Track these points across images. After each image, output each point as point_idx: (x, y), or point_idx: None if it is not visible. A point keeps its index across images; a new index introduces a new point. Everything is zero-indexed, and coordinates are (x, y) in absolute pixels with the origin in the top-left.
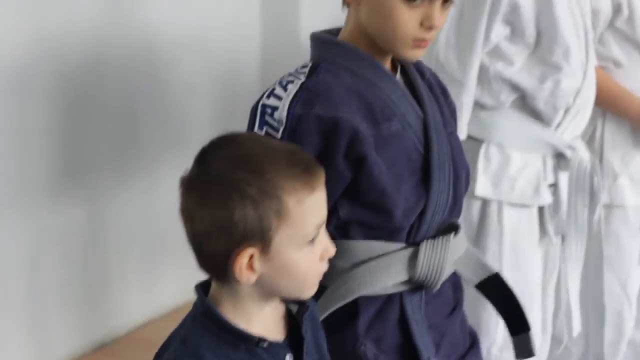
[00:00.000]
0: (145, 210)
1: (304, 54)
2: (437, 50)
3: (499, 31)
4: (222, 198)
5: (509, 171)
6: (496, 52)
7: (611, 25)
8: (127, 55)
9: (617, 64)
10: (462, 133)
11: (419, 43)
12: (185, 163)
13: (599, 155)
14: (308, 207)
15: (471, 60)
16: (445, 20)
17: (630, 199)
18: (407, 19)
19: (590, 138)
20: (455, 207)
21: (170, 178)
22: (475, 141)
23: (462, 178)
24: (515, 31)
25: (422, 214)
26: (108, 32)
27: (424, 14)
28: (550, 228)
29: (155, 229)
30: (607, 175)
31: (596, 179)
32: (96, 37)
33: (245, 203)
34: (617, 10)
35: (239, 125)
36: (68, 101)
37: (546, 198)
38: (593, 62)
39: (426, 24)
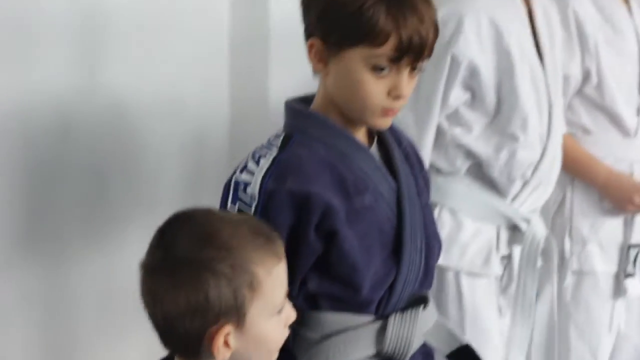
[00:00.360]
0: (112, 272)
1: (272, 119)
2: None
3: (458, 95)
4: (195, 279)
5: (461, 238)
6: (456, 117)
7: (580, 92)
8: (97, 119)
9: (586, 131)
10: None
11: (387, 112)
12: (153, 225)
13: (568, 221)
14: (276, 277)
15: (428, 122)
16: (413, 88)
17: (599, 265)
18: (375, 89)
19: (559, 204)
20: (427, 279)
21: (138, 241)
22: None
23: (434, 250)
24: (476, 97)
25: (392, 286)
26: (78, 96)
27: (392, 83)
28: (502, 301)
29: (122, 292)
30: (576, 241)
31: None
32: (66, 102)
33: (219, 281)
34: (586, 77)
35: (208, 188)
36: (35, 162)
37: (496, 269)
38: (557, 135)
39: (394, 94)
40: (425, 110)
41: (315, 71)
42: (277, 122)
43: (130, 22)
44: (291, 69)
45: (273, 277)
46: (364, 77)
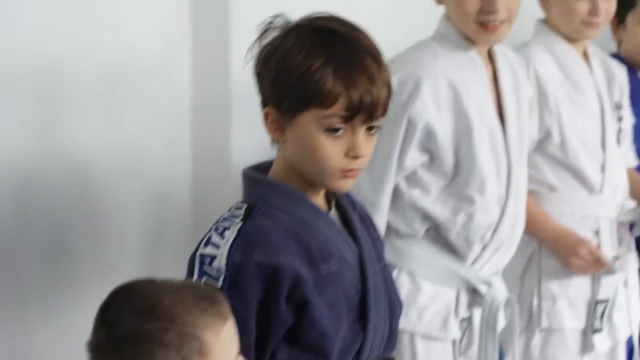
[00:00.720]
0: (73, 333)
1: (234, 178)
2: None
3: (415, 157)
4: (143, 354)
5: (419, 300)
6: (414, 179)
7: (543, 150)
8: (61, 178)
9: (552, 189)
10: None
11: (346, 173)
12: (115, 284)
13: (537, 279)
14: (225, 337)
15: (384, 184)
16: (372, 148)
17: (568, 322)
18: (332, 151)
19: (528, 261)
20: (390, 342)
21: (99, 299)
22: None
23: (396, 312)
24: (434, 159)
25: (359, 351)
26: (42, 155)
27: (348, 144)
28: None
29: (83, 353)
30: (546, 299)
31: (511, 314)
32: (29, 160)
33: (168, 352)
34: (547, 135)
35: (170, 247)
36: None
37: (454, 332)
38: (518, 196)
39: (351, 154)
40: (382, 172)
41: (273, 140)
42: (239, 181)
43: (93, 82)
44: (253, 128)
45: (222, 338)
46: (319, 139)
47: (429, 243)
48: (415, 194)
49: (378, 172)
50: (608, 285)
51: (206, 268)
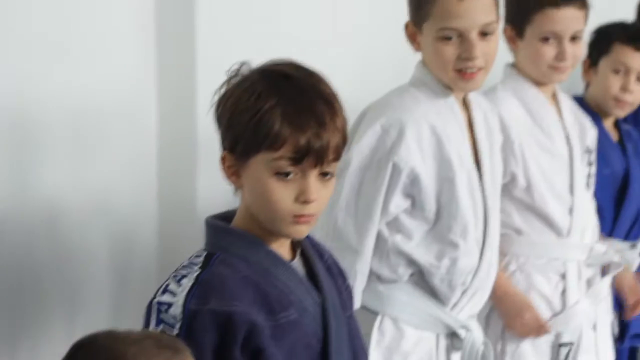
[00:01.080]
0: None
1: (200, 223)
2: (335, 215)
3: (399, 203)
4: None
5: (402, 346)
6: (396, 225)
7: (510, 194)
8: (27, 222)
9: (519, 232)
10: (355, 303)
11: (298, 219)
12: (80, 327)
13: (501, 321)
14: None
15: (368, 230)
16: (328, 194)
17: None
18: (282, 195)
19: (493, 305)
20: None
21: (63, 344)
22: (371, 313)
23: None
24: (416, 205)
25: None
26: (8, 199)
27: (299, 188)
28: None
29: None
30: (511, 341)
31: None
32: None
33: None
34: (512, 180)
35: (136, 291)
36: None
37: None
38: (493, 240)
39: (301, 199)
40: (366, 219)
41: (231, 184)
42: (205, 222)
43: (60, 125)
44: (219, 172)
45: None
46: (269, 183)
47: (411, 288)
48: (398, 239)
49: (362, 218)
50: (572, 329)
51: (163, 315)
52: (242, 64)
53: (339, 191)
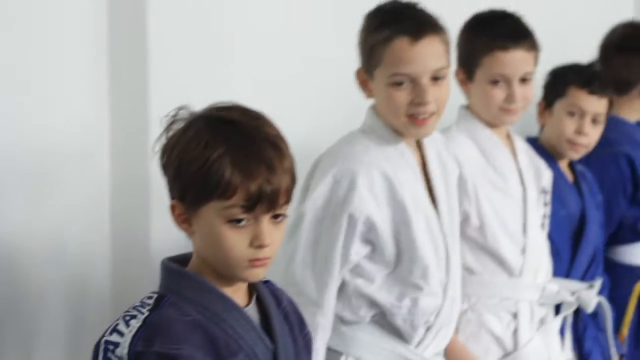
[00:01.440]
0: None
1: (154, 265)
2: (293, 270)
3: (359, 250)
4: None
5: None
6: (357, 269)
7: (463, 234)
8: None
9: (471, 272)
10: (318, 356)
11: (253, 263)
12: None
13: None
14: None
15: (328, 282)
16: (281, 235)
17: None
18: (236, 241)
19: None
20: None
21: None
22: (335, 353)
23: None
24: (376, 250)
25: None
26: None
27: (252, 233)
28: None
29: None
30: None
31: None
32: None
33: None
34: (465, 219)
35: (90, 334)
36: None
37: None
38: (456, 278)
39: (255, 244)
40: (325, 271)
41: (183, 231)
42: (158, 268)
43: (13, 167)
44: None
45: None
46: (223, 231)
47: (374, 328)
48: (360, 283)
49: (321, 272)
50: None
51: (110, 355)
52: (180, 108)
53: (295, 246)
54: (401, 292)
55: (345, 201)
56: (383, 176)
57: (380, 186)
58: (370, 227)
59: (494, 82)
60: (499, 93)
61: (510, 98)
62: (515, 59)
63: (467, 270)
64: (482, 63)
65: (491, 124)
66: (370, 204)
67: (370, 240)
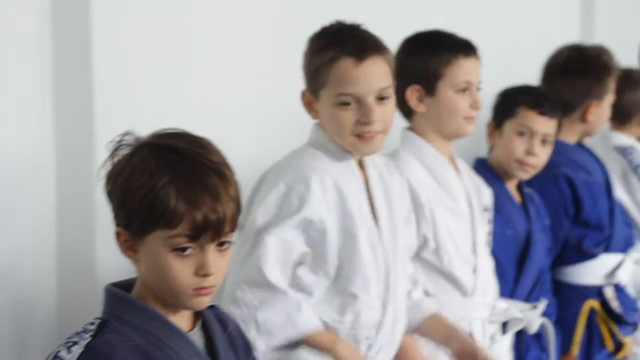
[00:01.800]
0: None
1: (99, 289)
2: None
3: (298, 245)
4: None
5: None
6: (297, 283)
7: (419, 257)
8: None
9: (426, 293)
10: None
11: (199, 291)
12: None
13: None
14: None
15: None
16: (227, 262)
17: None
18: (181, 270)
19: None
20: None
21: None
22: None
23: None
24: (318, 258)
25: None
26: None
27: (198, 262)
28: None
29: None
30: None
31: None
32: None
33: None
34: (424, 242)
35: (35, 358)
36: None
37: None
38: (398, 298)
39: (201, 273)
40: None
41: (128, 258)
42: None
43: None
44: None
45: None
46: (168, 259)
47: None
48: (300, 298)
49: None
50: None
51: None
52: (125, 134)
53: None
54: (342, 304)
55: (300, 204)
56: (334, 185)
57: (332, 194)
58: (322, 231)
59: (462, 91)
60: (464, 101)
61: (475, 104)
62: (475, 66)
63: (424, 291)
64: (443, 74)
65: (450, 137)
66: (323, 207)
67: (315, 244)
